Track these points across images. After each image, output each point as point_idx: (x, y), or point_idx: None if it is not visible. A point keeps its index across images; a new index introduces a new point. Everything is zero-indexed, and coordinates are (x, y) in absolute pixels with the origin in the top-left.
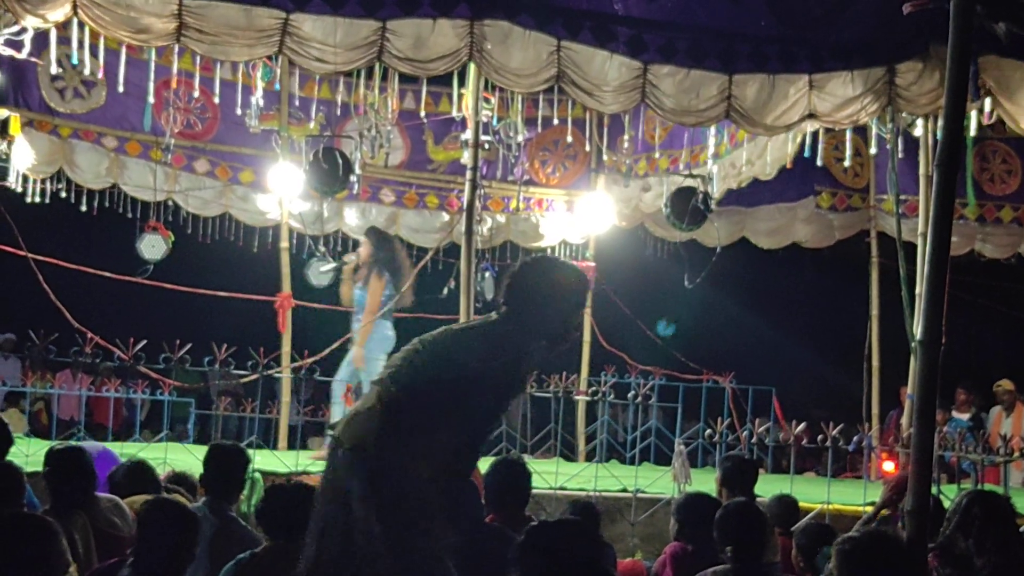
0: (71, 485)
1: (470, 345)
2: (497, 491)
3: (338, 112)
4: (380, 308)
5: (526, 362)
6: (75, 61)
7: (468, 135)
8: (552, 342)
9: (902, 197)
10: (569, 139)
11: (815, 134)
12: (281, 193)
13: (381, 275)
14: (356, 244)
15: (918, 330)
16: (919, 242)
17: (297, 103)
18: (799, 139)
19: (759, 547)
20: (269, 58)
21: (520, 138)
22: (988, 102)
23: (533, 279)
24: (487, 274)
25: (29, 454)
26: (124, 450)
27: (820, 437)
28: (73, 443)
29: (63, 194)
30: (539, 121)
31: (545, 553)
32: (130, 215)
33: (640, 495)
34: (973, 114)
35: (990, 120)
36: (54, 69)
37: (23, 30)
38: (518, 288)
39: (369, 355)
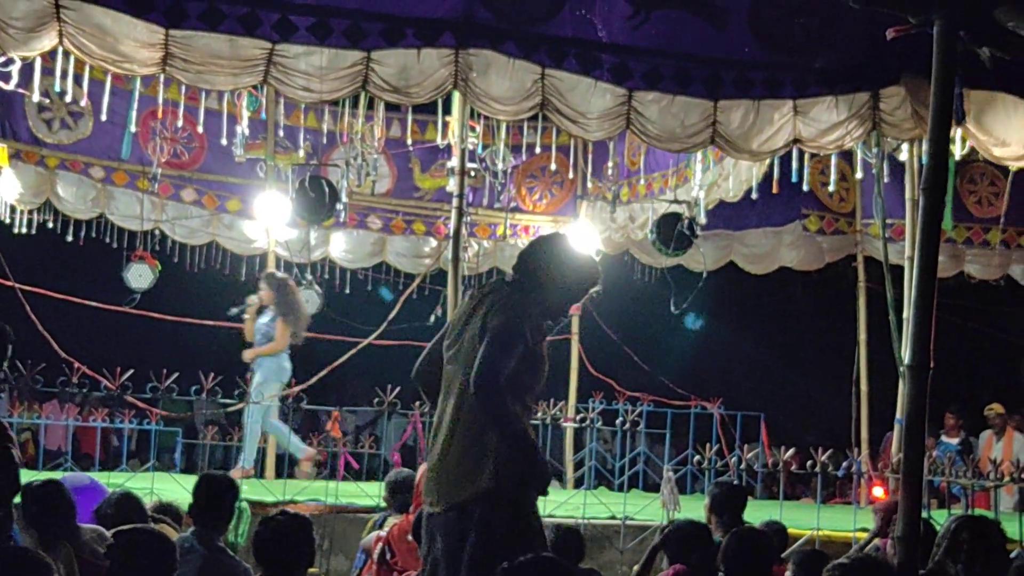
0: (50, 519)
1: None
2: None
3: (324, 141)
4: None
5: (526, 322)
6: (57, 89)
7: (454, 163)
8: (544, 313)
9: (888, 221)
10: (554, 167)
11: (800, 158)
12: (268, 221)
13: (285, 318)
14: (343, 272)
15: (906, 354)
16: (906, 266)
17: (283, 132)
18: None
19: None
20: (255, 87)
21: (505, 165)
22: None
23: (544, 250)
24: None
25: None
26: (111, 480)
27: (809, 463)
28: (50, 477)
29: (50, 224)
30: (524, 148)
31: None
32: (117, 245)
33: (629, 522)
34: (958, 137)
35: (963, 151)
36: (37, 98)
37: (10, 61)
38: (528, 257)
39: (267, 385)
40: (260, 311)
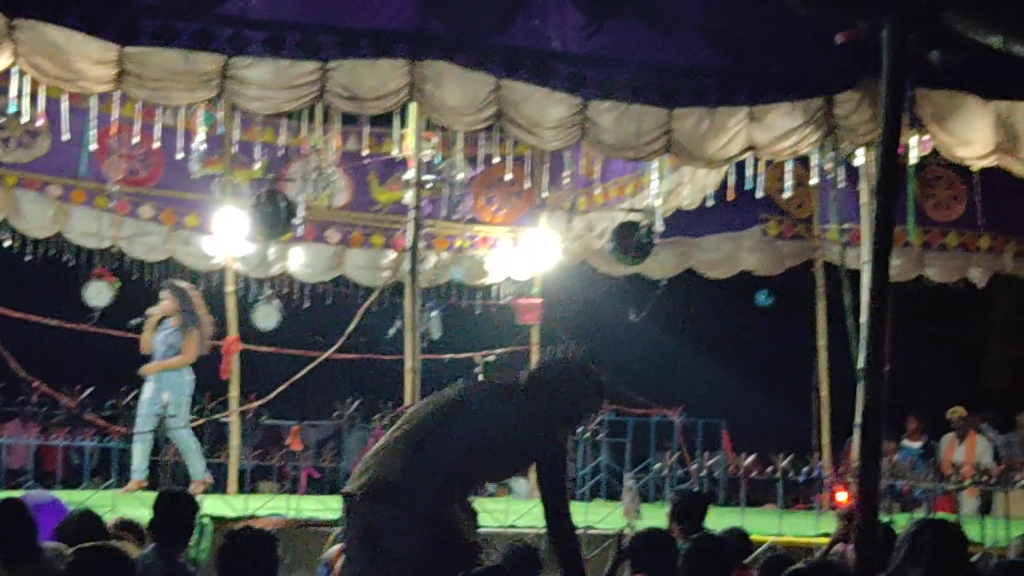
0: (14, 536)
1: (497, 411)
2: None
3: (281, 155)
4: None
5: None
6: (12, 110)
7: (411, 175)
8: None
9: (845, 226)
10: (509, 177)
11: (755, 165)
12: (226, 237)
13: (190, 328)
14: (302, 286)
15: (861, 357)
16: (863, 270)
17: (239, 147)
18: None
19: None
20: (210, 102)
21: (462, 176)
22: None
23: (557, 378)
24: (433, 313)
25: None
26: (73, 498)
27: (770, 469)
28: (10, 496)
29: (7, 243)
30: (480, 159)
31: None
32: (75, 263)
33: (591, 531)
34: (913, 141)
35: (927, 151)
36: None
37: None
38: (541, 379)
39: (184, 399)
40: (160, 323)
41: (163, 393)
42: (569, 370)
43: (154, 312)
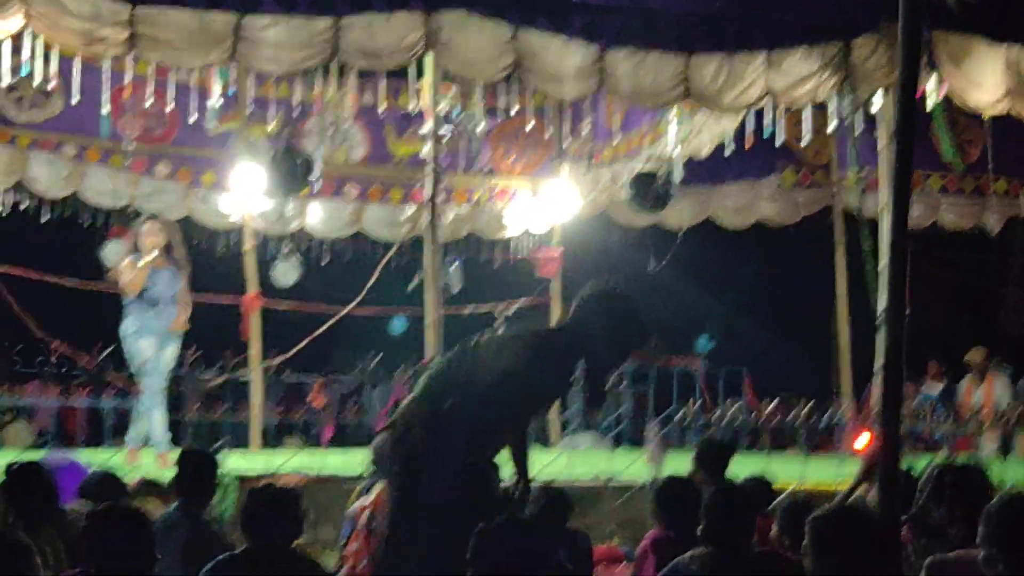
0: (33, 500)
1: (521, 354)
2: None
3: (297, 111)
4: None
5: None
6: (25, 71)
7: (428, 128)
8: (594, 367)
9: (863, 172)
10: (529, 128)
11: (774, 112)
12: (243, 194)
13: (185, 269)
14: (321, 242)
15: (881, 302)
16: (881, 216)
17: (254, 103)
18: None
19: (743, 533)
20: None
21: (481, 128)
22: (934, 79)
23: (599, 307)
24: (453, 266)
25: None
26: (94, 458)
27: (792, 415)
28: (30, 458)
29: (24, 204)
30: (499, 111)
31: (496, 555)
32: (92, 223)
33: (615, 482)
34: (931, 85)
35: (940, 97)
36: (6, 81)
37: None
38: (583, 310)
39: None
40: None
41: (168, 348)
42: (611, 302)
43: (150, 246)
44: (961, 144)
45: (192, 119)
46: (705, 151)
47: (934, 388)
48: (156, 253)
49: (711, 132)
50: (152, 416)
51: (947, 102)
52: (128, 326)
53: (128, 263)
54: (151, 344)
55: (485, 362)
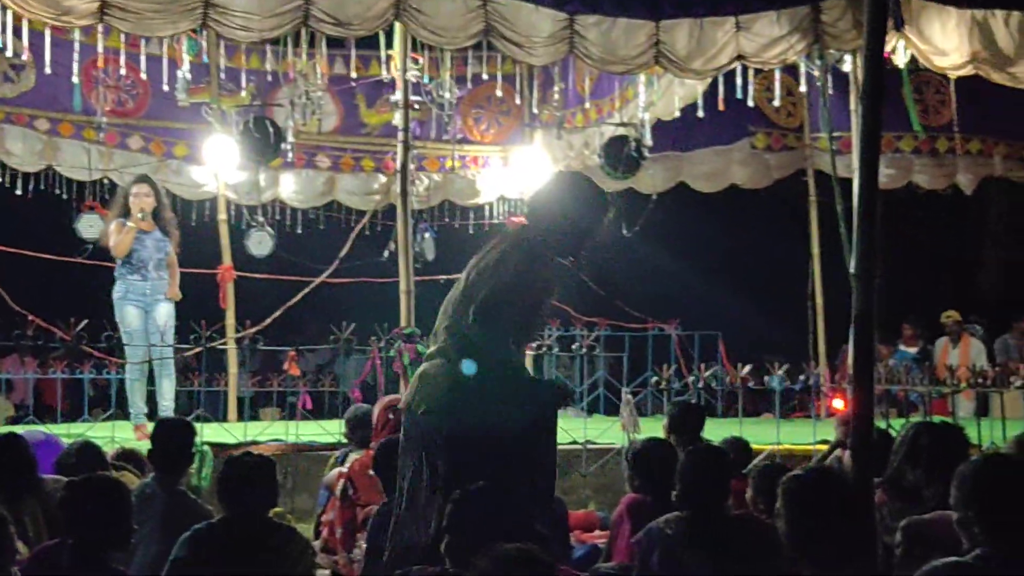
0: (13, 471)
1: (506, 260)
2: None
3: (268, 80)
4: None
5: (545, 272)
6: None
7: (399, 96)
8: (565, 255)
9: (836, 134)
10: (500, 94)
11: (744, 75)
12: (216, 165)
13: (174, 232)
14: (294, 212)
15: (852, 263)
16: (854, 177)
17: (225, 74)
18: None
19: (718, 496)
20: (194, 31)
21: (451, 96)
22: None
23: (550, 192)
24: (426, 235)
25: None
26: (72, 431)
27: (766, 378)
28: (8, 431)
29: None
30: (469, 78)
31: (474, 520)
32: (66, 196)
33: (591, 446)
34: (900, 45)
35: (907, 60)
36: None
37: None
38: (536, 201)
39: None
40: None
41: (155, 314)
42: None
43: (138, 208)
44: (928, 107)
45: (163, 91)
46: (676, 112)
47: (910, 349)
48: (144, 214)
49: (680, 93)
50: (133, 387)
51: (914, 65)
52: (116, 290)
53: (116, 225)
54: (136, 314)
55: (490, 277)
